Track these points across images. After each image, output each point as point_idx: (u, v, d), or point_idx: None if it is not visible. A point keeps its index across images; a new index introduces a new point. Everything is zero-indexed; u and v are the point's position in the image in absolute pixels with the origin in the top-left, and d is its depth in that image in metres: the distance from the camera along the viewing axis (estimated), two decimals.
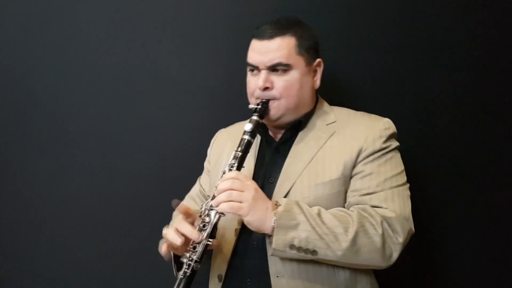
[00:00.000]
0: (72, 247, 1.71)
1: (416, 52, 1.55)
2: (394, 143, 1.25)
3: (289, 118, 1.28)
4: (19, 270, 1.74)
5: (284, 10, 1.54)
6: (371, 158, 1.20)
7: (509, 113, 1.52)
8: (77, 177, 1.71)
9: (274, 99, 1.24)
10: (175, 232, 1.13)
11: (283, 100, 1.24)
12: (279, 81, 1.24)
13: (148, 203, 1.67)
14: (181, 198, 1.42)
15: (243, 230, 1.22)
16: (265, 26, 1.25)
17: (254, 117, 1.22)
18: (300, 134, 1.29)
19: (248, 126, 1.21)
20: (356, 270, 1.18)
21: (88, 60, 1.70)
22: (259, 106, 1.24)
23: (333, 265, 1.16)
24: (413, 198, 1.21)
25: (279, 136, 1.32)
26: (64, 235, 1.72)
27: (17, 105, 1.73)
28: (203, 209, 1.14)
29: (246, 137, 1.19)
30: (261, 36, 1.25)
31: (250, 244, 1.21)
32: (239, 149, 1.18)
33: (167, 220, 1.37)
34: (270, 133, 1.33)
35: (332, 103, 1.37)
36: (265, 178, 1.25)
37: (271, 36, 1.23)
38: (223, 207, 1.09)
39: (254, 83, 1.26)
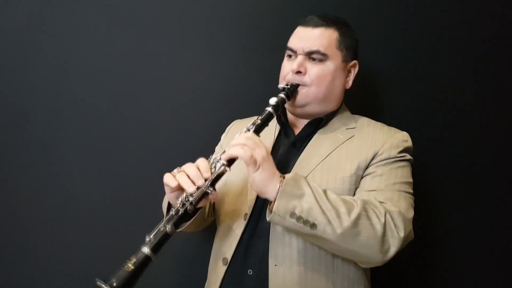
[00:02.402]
0: (72, 247, 1.68)
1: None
2: (408, 156, 1.26)
3: (313, 108, 1.30)
4: (19, 270, 1.69)
5: (287, 10, 1.61)
6: (384, 162, 1.21)
7: None
8: (77, 176, 1.69)
9: (304, 85, 1.28)
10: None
11: (313, 88, 1.27)
12: (313, 69, 1.27)
13: (148, 203, 1.61)
14: None
15: (252, 217, 1.23)
16: (312, 16, 1.31)
17: (281, 95, 1.25)
18: (319, 132, 1.31)
19: (272, 100, 1.23)
20: (355, 272, 1.17)
21: (89, 59, 1.69)
22: (288, 86, 1.27)
23: (332, 263, 1.15)
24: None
25: (297, 130, 1.34)
26: (64, 235, 1.68)
27: (17, 105, 1.71)
28: (211, 161, 1.14)
29: (269, 109, 1.21)
30: (306, 24, 1.30)
31: (256, 233, 1.21)
32: (259, 117, 1.19)
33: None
34: (290, 125, 1.35)
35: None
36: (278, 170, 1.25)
37: (315, 25, 1.29)
38: (236, 150, 1.08)
39: (289, 67, 1.30)
